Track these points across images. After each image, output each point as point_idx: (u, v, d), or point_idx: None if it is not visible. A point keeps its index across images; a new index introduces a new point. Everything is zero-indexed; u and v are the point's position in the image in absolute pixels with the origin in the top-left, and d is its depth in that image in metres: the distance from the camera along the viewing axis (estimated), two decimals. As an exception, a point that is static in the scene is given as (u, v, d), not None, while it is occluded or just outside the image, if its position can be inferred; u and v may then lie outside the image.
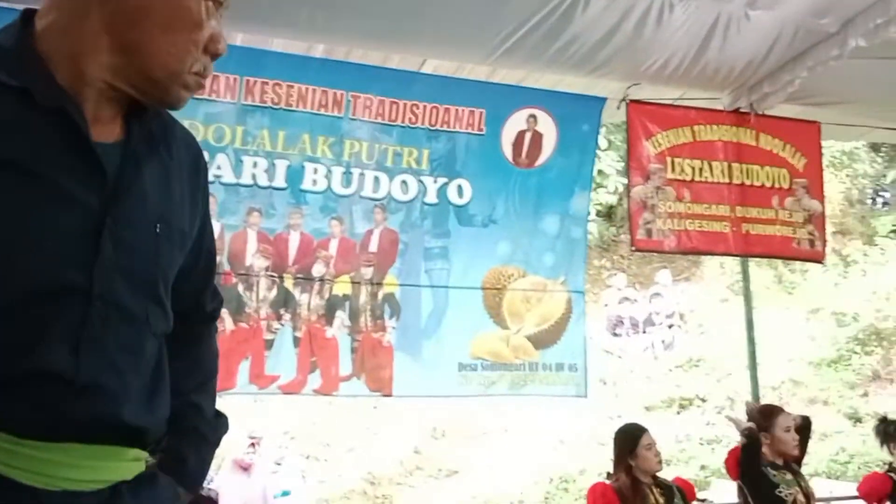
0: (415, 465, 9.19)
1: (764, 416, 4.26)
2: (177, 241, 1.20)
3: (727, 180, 4.87)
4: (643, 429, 4.13)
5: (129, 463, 1.14)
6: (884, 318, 9.62)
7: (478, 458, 9.16)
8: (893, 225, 12.22)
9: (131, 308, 1.11)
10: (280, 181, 4.00)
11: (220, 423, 1.37)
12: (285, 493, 7.07)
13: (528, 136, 4.54)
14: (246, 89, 3.94)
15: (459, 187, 4.35)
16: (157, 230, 1.15)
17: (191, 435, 1.28)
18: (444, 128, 4.34)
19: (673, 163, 4.77)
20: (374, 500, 8.62)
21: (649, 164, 4.76)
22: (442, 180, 4.33)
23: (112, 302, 1.09)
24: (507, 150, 4.47)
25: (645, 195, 4.74)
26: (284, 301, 4.01)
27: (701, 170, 4.83)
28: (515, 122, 4.49)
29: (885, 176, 13.90)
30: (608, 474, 4.11)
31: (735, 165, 4.89)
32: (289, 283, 4.03)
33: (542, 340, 4.46)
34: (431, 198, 4.31)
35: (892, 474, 4.56)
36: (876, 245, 11.70)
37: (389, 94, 4.23)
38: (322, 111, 4.10)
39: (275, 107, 4.00)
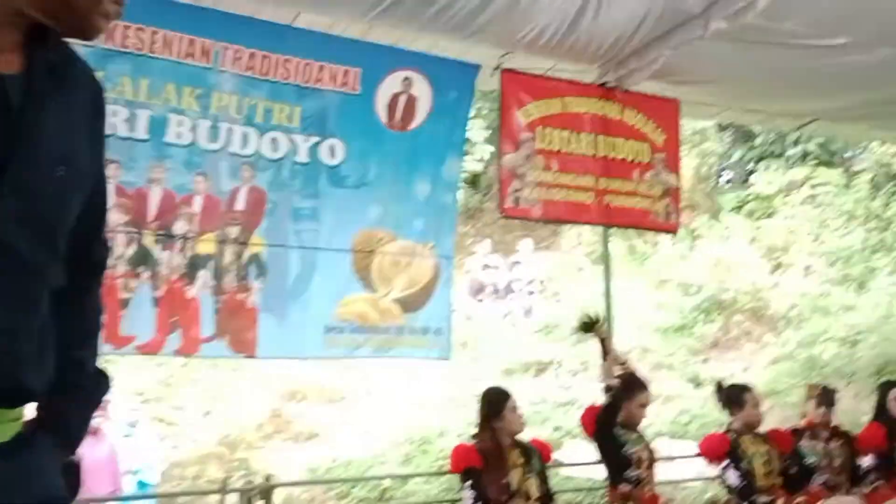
0: (274, 429, 9.07)
1: (626, 386, 4.48)
2: (78, 184, 1.10)
3: (593, 152, 5.03)
4: (508, 392, 4.24)
5: (7, 424, 1.05)
6: (725, 289, 10.29)
7: (339, 420, 9.15)
8: (736, 202, 13.05)
9: (30, 259, 1.02)
10: (141, 132, 3.78)
11: (102, 381, 1.29)
12: (137, 472, 6.86)
13: (402, 98, 4.49)
14: (106, 33, 3.67)
15: (332, 147, 4.26)
16: (61, 173, 1.05)
17: (73, 392, 1.19)
18: (318, 85, 4.23)
19: (543, 132, 4.87)
20: (230, 464, 8.45)
21: (520, 134, 4.83)
22: (314, 139, 4.22)
23: (9, 252, 0.99)
24: (382, 112, 4.42)
25: (515, 164, 4.82)
26: (143, 259, 3.81)
27: (569, 141, 4.95)
28: (391, 84, 4.43)
29: (730, 155, 14.81)
30: (472, 435, 4.20)
31: (601, 138, 5.05)
32: (148, 240, 3.83)
33: (409, 304, 4.47)
34: (302, 157, 4.20)
35: (730, 434, 4.90)
36: (720, 220, 12.47)
37: (260, 46, 4.06)
38: (188, 60, 3.89)
39: (137, 53, 3.76)
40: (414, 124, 4.54)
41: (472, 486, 3.93)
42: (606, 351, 4.62)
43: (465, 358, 9.85)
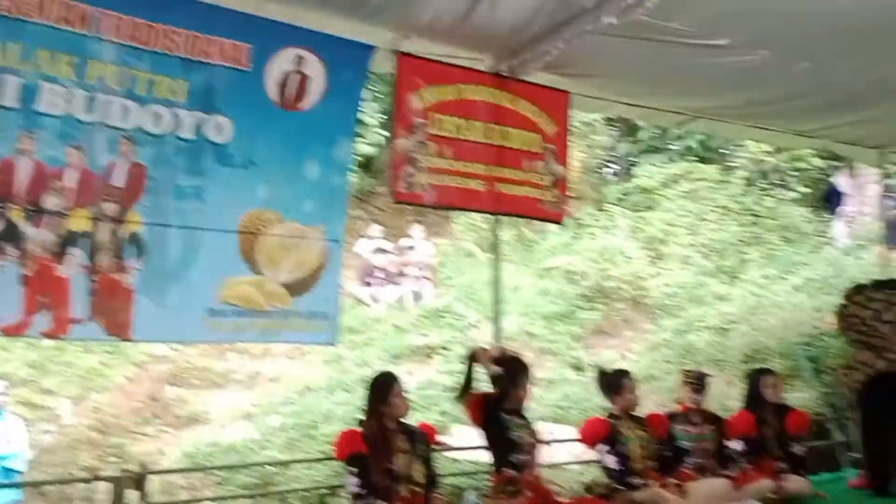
0: (151, 414, 8.75)
1: (511, 372, 4.55)
2: None
3: (486, 140, 5.06)
4: (395, 377, 4.23)
5: None
6: (607, 277, 10.61)
7: (221, 405, 8.92)
8: (620, 193, 13.47)
9: None
10: (10, 100, 3.53)
11: None
12: (4, 460, 6.52)
13: (294, 77, 4.38)
14: (-28, -7, 3.41)
15: (219, 124, 4.10)
16: None
17: None
18: (205, 59, 4.06)
19: (437, 118, 4.86)
20: (104, 451, 8.10)
21: (414, 119, 4.81)
22: (200, 116, 4.06)
23: None
24: (272, 90, 4.29)
25: (408, 148, 4.79)
26: (10, 235, 3.57)
27: (462, 128, 4.96)
28: (282, 62, 4.31)
29: (616, 148, 15.28)
30: (359, 421, 4.17)
31: (494, 126, 5.09)
32: (16, 214, 3.59)
33: (296, 288, 4.38)
34: (187, 133, 4.03)
35: (609, 419, 5.06)
36: (605, 211, 12.84)
37: (143, 15, 3.86)
38: (64, 26, 3.66)
39: (7, 15, 3.51)
40: (306, 104, 4.44)
41: (357, 472, 3.91)
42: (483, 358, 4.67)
43: (354, 342, 9.80)
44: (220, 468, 7.67)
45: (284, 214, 4.35)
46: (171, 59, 3.95)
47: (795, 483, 5.48)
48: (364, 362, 9.17)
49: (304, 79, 4.40)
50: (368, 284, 10.82)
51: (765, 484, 5.25)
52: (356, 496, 3.90)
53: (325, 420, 8.14)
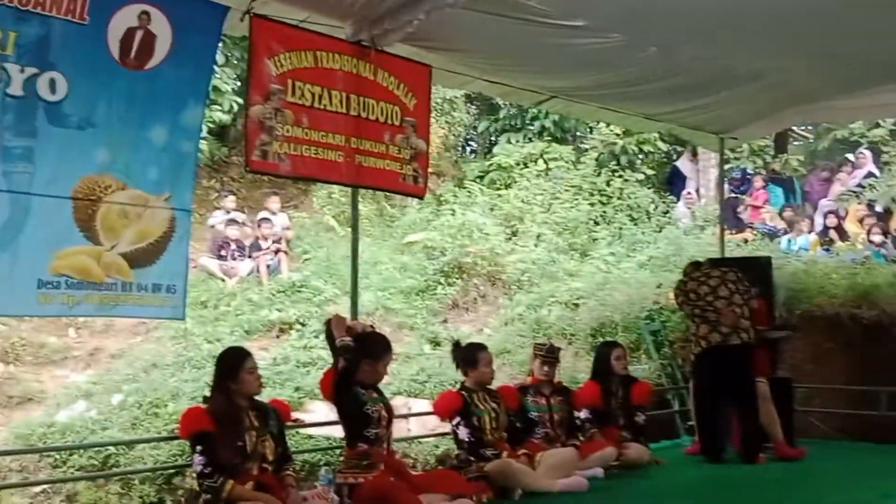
0: (-21, 394, 8.13)
1: (368, 346, 4.50)
2: None
3: (345, 110, 4.94)
4: (247, 353, 4.09)
5: None
6: (466, 253, 10.72)
7: (57, 383, 8.38)
8: (480, 171, 13.64)
9: None
10: None
11: None
12: None
13: (139, 34, 4.10)
14: None
15: (52, 81, 3.78)
16: None
17: None
18: (37, 9, 3.72)
19: (294, 86, 4.69)
20: (-75, 434, 7.46)
21: (270, 84, 4.62)
22: (31, 71, 3.72)
23: None
24: (114, 47, 3.99)
25: (263, 115, 4.61)
26: None
27: (321, 97, 4.82)
28: (125, 17, 4.01)
29: (476, 126, 15.45)
30: (205, 398, 4.01)
31: (353, 97, 4.98)
32: None
33: (138, 259, 4.12)
34: (16, 90, 3.69)
35: (463, 392, 5.12)
36: (465, 188, 12.96)
37: (-34, -44, 3.50)
38: None
39: None
40: (151, 64, 4.17)
41: (202, 451, 3.75)
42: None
43: (205, 317, 9.45)
44: (54, 449, 7.23)
45: (127, 181, 4.08)
46: (-2, 8, 3.60)
47: (636, 450, 5.77)
48: (215, 338, 8.85)
49: (149, 37, 4.13)
50: (221, 257, 10.44)
51: (608, 451, 5.49)
52: (202, 475, 3.75)
53: (172, 398, 7.81)
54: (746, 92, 6.32)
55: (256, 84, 4.60)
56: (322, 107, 4.83)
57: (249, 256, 10.56)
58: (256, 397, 4.08)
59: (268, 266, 10.50)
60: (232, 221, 10.85)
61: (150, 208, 4.16)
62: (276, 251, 10.70)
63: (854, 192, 11.12)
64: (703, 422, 6.21)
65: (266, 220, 11.03)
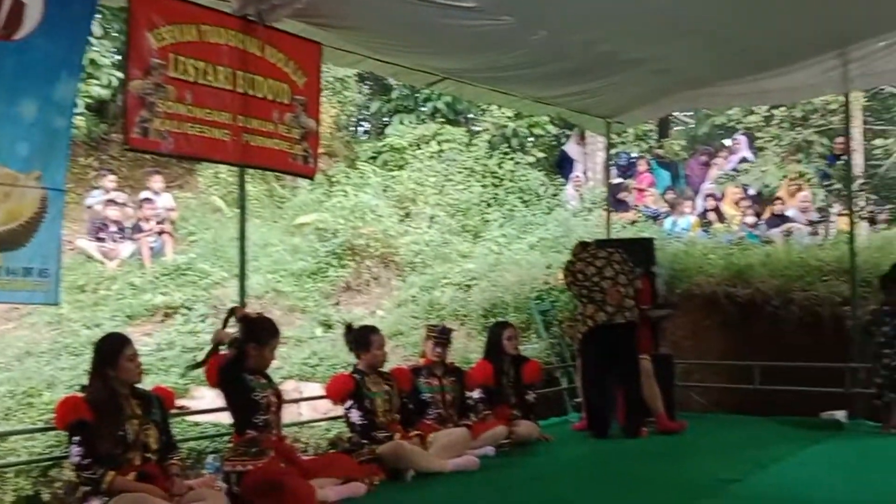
0: None
1: (256, 331, 4.39)
2: None
3: (231, 87, 4.78)
4: (126, 339, 3.92)
5: None
6: (359, 235, 10.62)
7: (-80, 374, 7.84)
8: (372, 152, 13.53)
9: None
10: None
11: None
12: None
13: (6, 3, 3.83)
14: None
15: None
16: None
17: None
18: None
19: (176, 60, 4.50)
20: None
21: (150, 59, 4.42)
22: None
23: None
24: (-24, 14, 3.72)
25: (143, 91, 4.40)
26: None
27: (205, 72, 4.64)
28: (-10, -18, 3.75)
29: (368, 107, 15.31)
30: (82, 387, 3.82)
31: (240, 73, 4.82)
32: None
33: (7, 241, 3.88)
34: None
35: (355, 375, 5.08)
36: (357, 169, 12.83)
37: None
38: None
39: None
40: (21, 34, 3.91)
41: (81, 442, 3.58)
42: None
43: (83, 301, 9.02)
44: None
45: (-7, 158, 3.82)
46: None
47: (525, 427, 5.89)
48: (94, 323, 8.48)
49: (18, 6, 3.88)
50: (100, 239, 9.96)
51: (499, 430, 5.58)
52: (80, 467, 3.59)
53: (48, 387, 7.44)
54: (632, 77, 6.50)
55: (136, 58, 4.38)
56: (207, 83, 4.66)
57: (131, 238, 10.13)
58: (137, 385, 3.93)
59: (151, 248, 10.10)
60: (111, 202, 10.36)
61: (20, 187, 3.91)
62: (160, 233, 10.30)
63: (730, 175, 11.66)
64: (590, 399, 6.38)
65: (148, 200, 10.60)
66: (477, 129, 13.81)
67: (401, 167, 12.95)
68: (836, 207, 10.36)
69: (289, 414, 5.45)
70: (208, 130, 4.67)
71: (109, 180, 10.87)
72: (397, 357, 8.37)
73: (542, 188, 12.68)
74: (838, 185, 10.30)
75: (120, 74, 10.48)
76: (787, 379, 7.29)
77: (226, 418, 4.61)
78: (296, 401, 6.75)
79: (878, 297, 6.40)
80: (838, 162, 10.46)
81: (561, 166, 13.54)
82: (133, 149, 4.65)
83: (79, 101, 10.80)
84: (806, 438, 5.93)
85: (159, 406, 3.98)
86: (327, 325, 9.29)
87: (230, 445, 4.41)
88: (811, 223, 10.28)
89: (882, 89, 12.72)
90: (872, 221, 10.35)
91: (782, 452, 5.39)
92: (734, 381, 7.88)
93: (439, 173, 12.59)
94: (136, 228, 10.22)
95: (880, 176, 11.51)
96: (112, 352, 3.81)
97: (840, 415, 6.64)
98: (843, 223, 9.43)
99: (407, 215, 11.98)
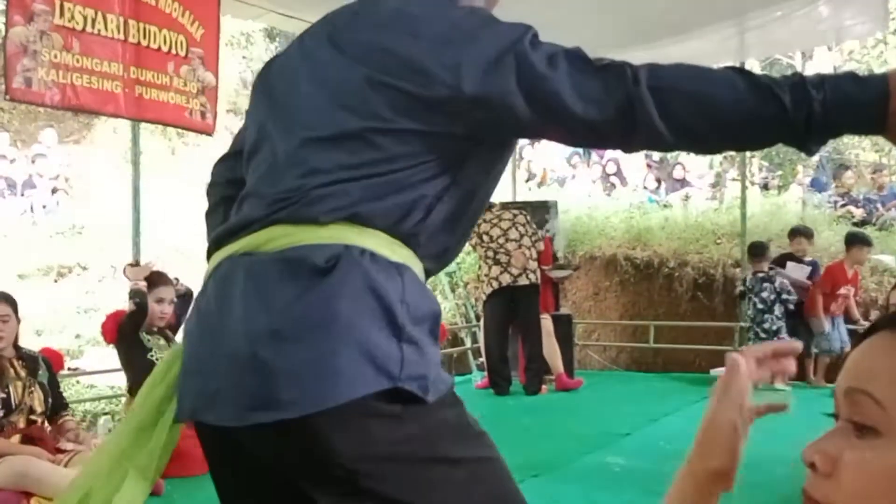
0: None
1: (153, 287, 4.28)
2: None
3: (122, 37, 4.57)
4: (9, 298, 3.77)
5: None
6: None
7: None
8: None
9: None
10: None
11: None
12: None
13: None
14: None
15: None
16: None
17: None
18: None
19: (62, 7, 4.27)
20: None
21: (34, 4, 4.18)
22: None
23: None
24: None
25: (26, 38, 4.17)
26: None
27: (94, 20, 4.42)
28: None
29: (276, 63, 14.93)
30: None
31: (132, 22, 4.61)
32: None
33: None
34: None
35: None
36: (263, 127, 12.55)
37: None
38: None
39: None
40: None
41: None
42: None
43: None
44: None
45: None
46: None
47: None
48: (-19, 283, 8.09)
49: None
50: (-10, 196, 9.50)
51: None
52: (-43, 430, 3.44)
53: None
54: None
55: (17, 3, 4.15)
56: (96, 31, 4.44)
57: (22, 195, 9.67)
58: (24, 347, 3.79)
59: (44, 206, 9.68)
60: (1, 157, 9.85)
61: None
62: (54, 189, 9.87)
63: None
64: (492, 358, 6.50)
65: (41, 155, 10.12)
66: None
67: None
68: (732, 173, 10.76)
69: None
70: (98, 82, 4.46)
71: (0, 138, 10.30)
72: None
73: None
74: (732, 152, 10.68)
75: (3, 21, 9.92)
76: (682, 337, 7.61)
77: (121, 380, 4.49)
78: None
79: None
80: (735, 129, 10.82)
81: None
82: (14, 100, 4.42)
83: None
84: (696, 394, 6.20)
85: (47, 368, 3.86)
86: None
87: (126, 407, 4.32)
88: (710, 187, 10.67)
89: (779, 59, 13.20)
90: (766, 187, 10.81)
91: (672, 407, 5.64)
92: (631, 339, 8.17)
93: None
94: (28, 184, 9.76)
95: (774, 144, 11.97)
96: None
97: (728, 371, 6.98)
98: (737, 189, 9.81)
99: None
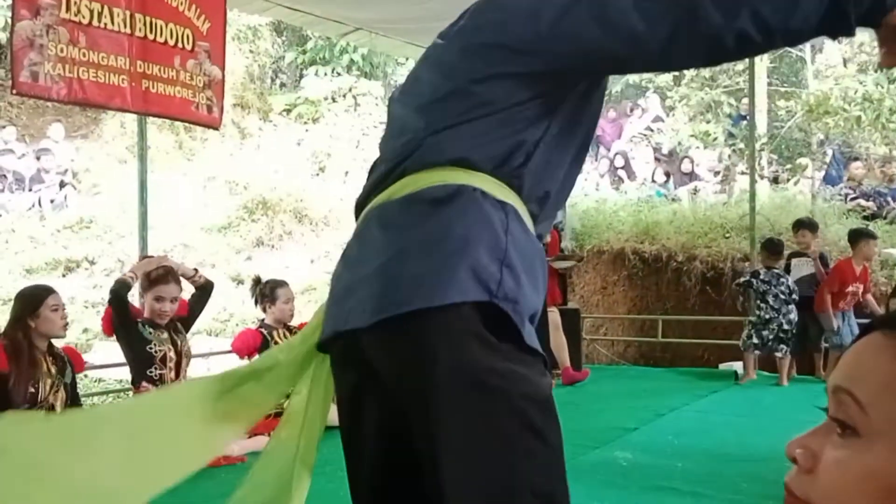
0: None
1: (151, 281, 4.29)
2: None
3: (129, 31, 4.57)
4: (51, 290, 3.79)
5: None
6: (272, 188, 10.44)
7: None
8: (286, 104, 13.24)
9: None
10: None
11: None
12: None
13: None
14: None
15: None
16: None
17: None
18: None
19: (68, 1, 4.27)
20: None
21: (40, -2, 4.18)
22: None
23: None
24: None
25: (33, 33, 4.17)
26: None
27: (101, 14, 4.42)
28: None
29: (283, 58, 14.93)
30: (3, 332, 3.66)
31: (138, 16, 4.60)
32: None
33: None
34: None
35: (262, 330, 5.01)
36: (271, 121, 12.56)
37: None
38: None
39: None
40: None
41: None
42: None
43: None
44: None
45: None
46: None
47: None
48: (-10, 277, 8.14)
49: None
50: (-1, 190, 9.53)
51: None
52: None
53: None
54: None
55: (24, -4, 4.15)
56: (102, 25, 4.44)
57: (30, 189, 9.70)
58: (54, 342, 3.81)
59: (52, 200, 9.70)
60: (9, 151, 9.88)
61: None
62: (62, 184, 9.89)
63: (644, 134, 11.89)
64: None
65: (48, 150, 10.14)
66: (394, 82, 13.65)
67: (316, 120, 12.74)
68: (740, 166, 10.71)
69: (198, 369, 5.37)
70: (104, 76, 4.46)
71: (9, 130, 10.33)
72: (310, 312, 8.32)
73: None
74: (742, 145, 10.63)
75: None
76: (690, 332, 7.58)
77: (128, 374, 4.49)
78: (203, 355, 6.65)
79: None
80: (743, 122, 10.78)
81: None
82: (21, 94, 4.42)
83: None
84: (704, 388, 6.17)
85: (71, 367, 3.87)
86: (238, 281, 9.15)
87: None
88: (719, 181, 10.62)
89: (788, 52, 13.13)
90: (776, 181, 10.75)
91: (680, 402, 5.61)
92: (639, 334, 8.14)
93: (355, 127, 12.44)
94: (36, 179, 9.79)
95: (782, 137, 11.92)
96: (35, 300, 3.68)
97: (737, 366, 6.93)
98: (746, 182, 9.76)
99: (321, 170, 11.82)
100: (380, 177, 1.38)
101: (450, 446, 1.16)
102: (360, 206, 1.43)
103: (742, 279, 6.54)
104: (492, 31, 1.30)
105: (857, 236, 6.45)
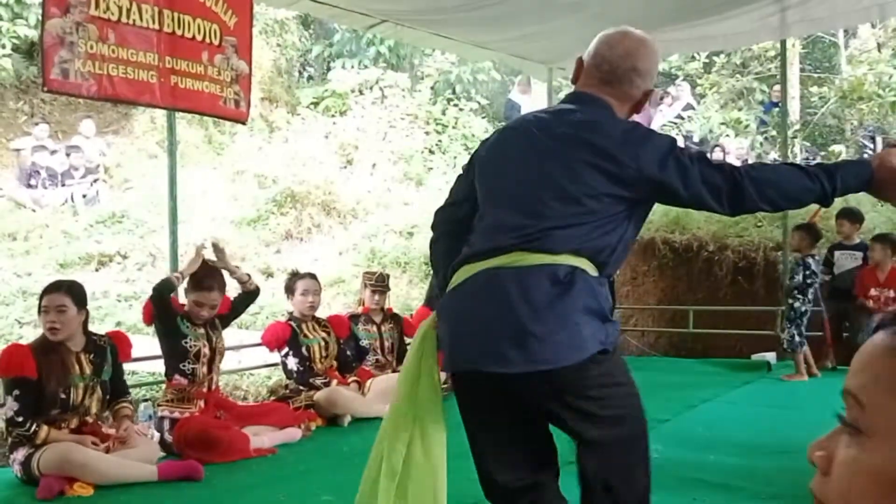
0: None
1: (194, 285, 4.33)
2: None
3: (157, 27, 4.60)
4: (49, 289, 3.79)
5: None
6: (300, 182, 10.47)
7: None
8: (314, 97, 13.26)
9: None
10: None
11: None
12: None
13: None
14: None
15: None
16: None
17: None
18: None
19: (98, -2, 4.31)
20: None
21: (69, -5, 4.22)
22: None
23: None
24: None
25: (63, 30, 4.21)
26: None
27: (129, 11, 4.45)
28: None
29: (311, 51, 14.95)
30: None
31: (166, 12, 4.64)
32: None
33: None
34: None
35: (291, 322, 5.05)
36: (298, 115, 12.58)
37: None
38: None
39: None
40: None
41: (19, 397, 3.48)
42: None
43: (15, 250, 8.77)
44: None
45: None
46: None
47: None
48: (26, 272, 8.25)
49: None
50: (31, 186, 9.66)
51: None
52: (12, 422, 3.49)
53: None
54: (572, 22, 6.44)
55: (54, -6, 4.19)
56: (131, 22, 4.47)
57: (63, 185, 9.83)
58: (94, 332, 3.84)
59: (84, 195, 9.82)
60: (41, 147, 10.01)
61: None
62: (94, 179, 10.01)
63: (674, 122, 11.75)
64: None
65: (80, 146, 10.26)
66: (420, 74, 13.62)
67: (343, 113, 12.74)
68: (773, 154, 10.55)
69: (229, 362, 5.41)
70: (133, 72, 4.50)
71: (43, 128, 10.45)
72: (339, 305, 8.36)
73: (485, 136, 12.58)
74: (774, 132, 10.47)
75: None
76: (722, 322, 7.49)
77: (161, 367, 4.54)
78: (233, 348, 6.71)
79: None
80: (775, 109, 10.62)
81: (508, 116, 13.46)
82: (52, 91, 4.47)
83: (5, 42, 10.36)
84: (736, 379, 6.11)
85: (113, 356, 3.87)
86: (268, 274, 9.20)
87: (164, 391, 4.38)
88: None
89: (821, 37, 12.90)
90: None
91: (712, 393, 5.55)
92: (670, 325, 8.07)
93: (382, 119, 12.42)
94: (68, 175, 9.92)
95: (815, 123, 11.72)
96: (39, 301, 3.72)
97: (770, 356, 6.85)
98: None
99: (349, 162, 11.84)
100: (498, 246, 1.92)
101: (609, 403, 1.95)
102: (467, 260, 1.98)
103: (798, 276, 5.99)
104: (604, 158, 1.90)
105: (872, 241, 6.35)
